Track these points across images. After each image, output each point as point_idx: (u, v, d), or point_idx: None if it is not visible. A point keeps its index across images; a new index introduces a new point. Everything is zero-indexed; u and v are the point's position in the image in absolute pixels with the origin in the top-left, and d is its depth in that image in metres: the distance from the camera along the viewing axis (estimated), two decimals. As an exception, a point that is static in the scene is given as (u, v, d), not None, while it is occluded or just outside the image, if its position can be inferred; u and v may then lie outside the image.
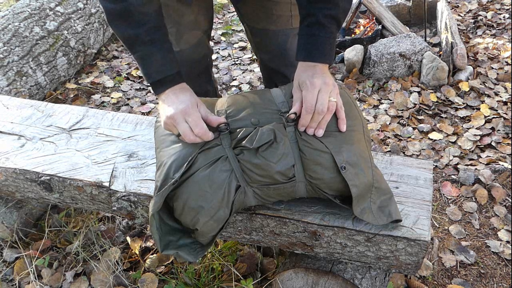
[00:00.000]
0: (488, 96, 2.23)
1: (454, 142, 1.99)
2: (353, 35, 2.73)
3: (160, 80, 0.95)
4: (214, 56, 2.76)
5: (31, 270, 1.32)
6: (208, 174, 0.89)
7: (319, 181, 0.92)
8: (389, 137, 2.02)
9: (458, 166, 1.84)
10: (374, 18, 2.70)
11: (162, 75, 0.95)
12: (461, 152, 1.93)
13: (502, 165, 1.81)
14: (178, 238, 0.95)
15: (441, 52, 2.42)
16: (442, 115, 2.15)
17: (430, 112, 2.16)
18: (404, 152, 1.94)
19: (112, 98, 2.37)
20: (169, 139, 0.97)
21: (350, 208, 0.93)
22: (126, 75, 2.57)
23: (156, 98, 1.00)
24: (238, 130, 0.92)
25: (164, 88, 0.96)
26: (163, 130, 0.99)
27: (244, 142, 0.90)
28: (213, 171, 0.89)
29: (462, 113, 2.15)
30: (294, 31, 1.31)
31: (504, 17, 2.92)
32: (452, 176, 1.79)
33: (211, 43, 2.55)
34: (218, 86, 2.30)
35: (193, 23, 1.28)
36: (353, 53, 2.39)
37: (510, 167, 1.78)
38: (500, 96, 2.23)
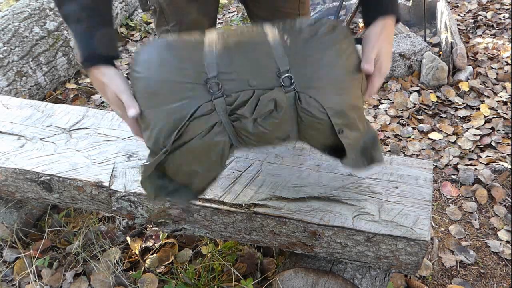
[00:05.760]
0: (488, 96, 2.23)
1: (454, 142, 1.99)
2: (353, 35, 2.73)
3: (84, 60, 0.90)
4: (214, 56, 2.76)
5: (31, 271, 1.32)
6: (203, 143, 0.85)
7: (313, 142, 0.93)
8: (389, 137, 2.02)
9: (458, 166, 1.84)
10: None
11: (83, 54, 0.89)
12: (461, 152, 1.93)
13: (502, 165, 1.81)
14: (169, 184, 0.94)
15: (441, 52, 2.42)
16: (442, 115, 2.15)
17: (430, 112, 2.16)
18: (404, 152, 1.94)
19: (112, 98, 2.37)
20: (156, 99, 0.87)
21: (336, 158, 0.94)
22: (126, 75, 2.57)
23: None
24: (234, 94, 0.83)
25: (86, 67, 0.90)
26: (146, 85, 0.87)
27: (242, 110, 0.83)
28: (209, 139, 0.85)
29: (462, 113, 2.15)
30: None
31: (504, 17, 2.92)
32: (452, 176, 1.79)
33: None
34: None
35: (196, 22, 1.28)
36: (353, 53, 2.39)
37: (510, 167, 1.78)
38: (500, 96, 2.23)
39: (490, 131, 2.02)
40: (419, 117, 2.14)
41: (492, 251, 1.49)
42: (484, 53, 2.53)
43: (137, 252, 1.42)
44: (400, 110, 2.19)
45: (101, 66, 0.90)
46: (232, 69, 0.83)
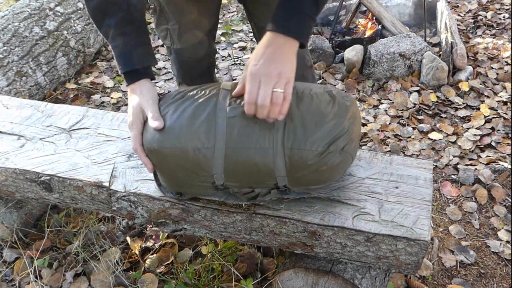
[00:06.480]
0: (488, 96, 2.23)
1: (454, 142, 1.99)
2: (353, 35, 2.73)
3: (124, 74, 0.98)
4: (214, 56, 2.76)
5: (31, 271, 1.32)
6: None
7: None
8: (389, 137, 2.02)
9: (458, 166, 1.84)
10: (374, 18, 2.70)
11: (122, 70, 0.98)
12: (461, 152, 1.93)
13: (502, 165, 1.81)
14: None
15: (441, 52, 2.42)
16: (442, 115, 2.15)
17: (430, 112, 2.16)
18: (404, 152, 1.94)
19: (112, 98, 2.37)
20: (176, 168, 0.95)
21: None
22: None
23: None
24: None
25: (127, 83, 0.98)
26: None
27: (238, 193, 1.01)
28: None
29: (462, 113, 2.15)
30: None
31: (504, 17, 2.93)
32: (452, 176, 1.79)
33: (211, 43, 2.56)
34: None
35: (195, 22, 1.27)
36: (353, 53, 2.39)
37: (510, 167, 1.78)
38: (500, 96, 2.23)
39: (490, 131, 2.02)
40: (419, 117, 2.14)
41: (492, 251, 1.49)
42: (484, 53, 2.53)
43: (137, 252, 1.42)
44: (400, 110, 2.19)
45: (138, 81, 0.97)
46: (237, 180, 0.96)
